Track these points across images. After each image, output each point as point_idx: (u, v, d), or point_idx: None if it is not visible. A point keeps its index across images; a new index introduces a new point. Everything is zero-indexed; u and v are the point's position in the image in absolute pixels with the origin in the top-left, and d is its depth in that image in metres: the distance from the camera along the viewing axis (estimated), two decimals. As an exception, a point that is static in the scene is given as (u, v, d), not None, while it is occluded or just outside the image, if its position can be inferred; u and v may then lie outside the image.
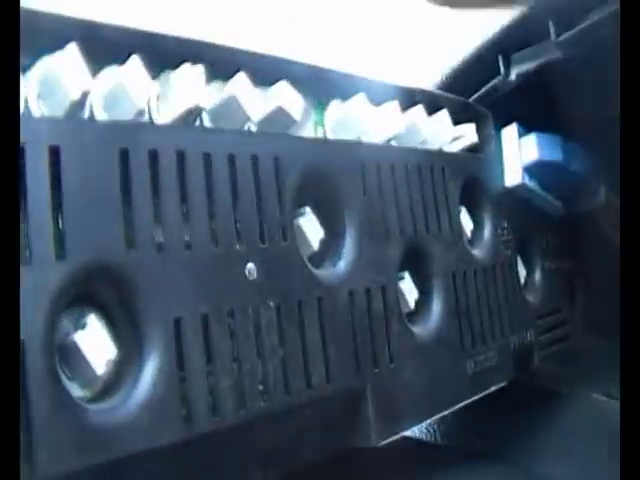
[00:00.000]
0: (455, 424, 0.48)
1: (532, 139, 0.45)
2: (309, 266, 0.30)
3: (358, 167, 0.34)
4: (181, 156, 0.27)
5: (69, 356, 0.24)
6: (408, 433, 0.47)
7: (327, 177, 0.32)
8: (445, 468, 0.42)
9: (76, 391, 0.24)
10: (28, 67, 0.25)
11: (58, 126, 0.23)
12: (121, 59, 0.27)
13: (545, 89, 0.44)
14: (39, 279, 0.22)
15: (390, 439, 0.32)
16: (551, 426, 0.47)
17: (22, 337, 0.21)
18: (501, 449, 0.46)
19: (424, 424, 0.48)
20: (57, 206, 0.23)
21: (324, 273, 0.31)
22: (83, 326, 0.24)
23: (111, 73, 0.27)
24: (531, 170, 0.46)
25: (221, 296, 0.26)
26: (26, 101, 0.24)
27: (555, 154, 0.45)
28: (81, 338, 0.24)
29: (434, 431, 0.48)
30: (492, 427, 0.47)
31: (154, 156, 0.26)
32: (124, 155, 0.25)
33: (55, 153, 0.23)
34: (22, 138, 0.22)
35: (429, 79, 0.46)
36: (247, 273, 0.27)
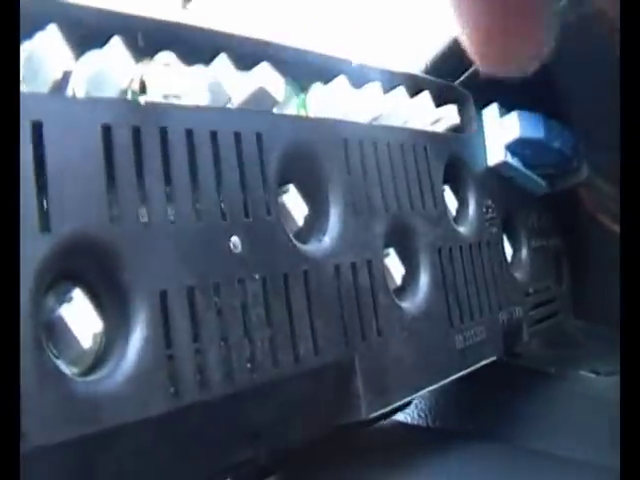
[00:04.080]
0: (446, 408, 0.48)
1: (514, 117, 0.45)
2: (294, 240, 0.31)
3: (341, 144, 0.34)
4: (164, 132, 0.27)
5: (55, 331, 0.24)
6: (400, 418, 0.47)
7: (310, 154, 0.33)
8: (439, 449, 0.42)
9: (63, 369, 0.24)
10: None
11: (40, 101, 0.24)
12: (101, 42, 0.27)
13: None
14: (24, 252, 0.22)
15: (380, 412, 0.33)
16: (541, 404, 0.47)
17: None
18: (493, 429, 0.46)
19: (415, 409, 0.48)
20: (41, 180, 0.23)
21: (309, 248, 0.32)
22: (69, 300, 0.24)
23: (92, 56, 0.28)
24: (514, 148, 0.46)
25: (206, 269, 0.27)
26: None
27: (537, 131, 0.46)
28: (67, 311, 0.24)
29: (425, 416, 0.48)
30: (483, 409, 0.47)
31: (137, 132, 0.26)
32: (107, 131, 0.25)
33: (38, 127, 0.23)
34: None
35: (414, 64, 0.47)
36: (232, 246, 0.28)
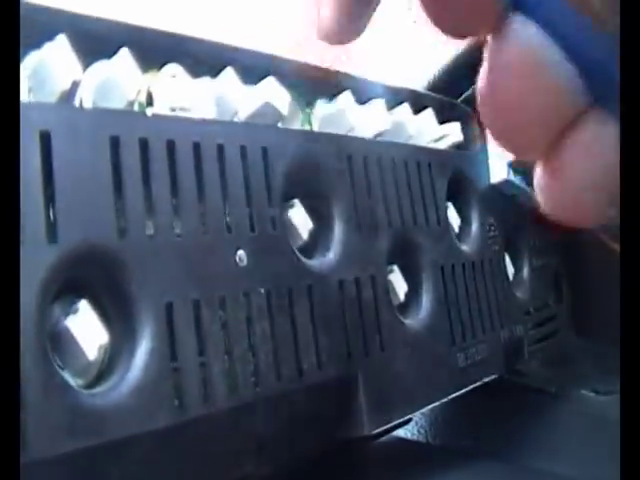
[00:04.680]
0: (446, 425, 0.48)
1: (517, 135, 0.45)
2: (298, 255, 0.31)
3: (345, 160, 0.34)
4: (171, 145, 0.27)
5: (61, 342, 0.24)
6: (400, 434, 0.47)
7: (315, 169, 0.33)
8: (438, 466, 0.42)
9: (68, 380, 0.24)
10: (17, 62, 0.25)
11: (49, 111, 0.24)
12: (109, 53, 0.27)
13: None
14: (31, 262, 0.22)
15: (382, 428, 0.33)
16: (541, 422, 0.47)
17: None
18: (493, 447, 0.46)
19: (415, 426, 0.48)
20: (49, 190, 0.23)
21: (313, 263, 0.31)
22: (75, 311, 0.24)
23: (100, 67, 0.28)
24: (516, 166, 0.46)
25: (212, 282, 0.27)
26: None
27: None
28: (73, 323, 0.24)
29: (425, 432, 0.48)
30: (483, 427, 0.47)
31: (144, 144, 0.26)
32: (115, 142, 0.25)
33: (46, 138, 0.23)
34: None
35: (417, 81, 0.47)
36: (237, 260, 0.28)
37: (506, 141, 0.21)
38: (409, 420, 0.42)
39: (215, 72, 0.31)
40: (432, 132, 0.42)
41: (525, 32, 0.20)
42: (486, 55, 0.21)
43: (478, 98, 0.21)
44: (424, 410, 0.46)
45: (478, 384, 0.40)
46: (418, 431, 0.48)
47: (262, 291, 0.28)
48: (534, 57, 0.20)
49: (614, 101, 0.19)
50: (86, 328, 0.24)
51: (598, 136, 0.20)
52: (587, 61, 0.19)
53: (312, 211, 0.32)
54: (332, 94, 0.36)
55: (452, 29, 0.22)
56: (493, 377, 0.42)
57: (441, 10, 0.21)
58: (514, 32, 0.20)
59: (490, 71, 0.20)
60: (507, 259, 0.48)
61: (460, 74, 0.47)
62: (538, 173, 0.21)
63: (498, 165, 0.46)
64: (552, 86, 0.20)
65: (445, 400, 0.38)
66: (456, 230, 0.42)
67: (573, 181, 0.20)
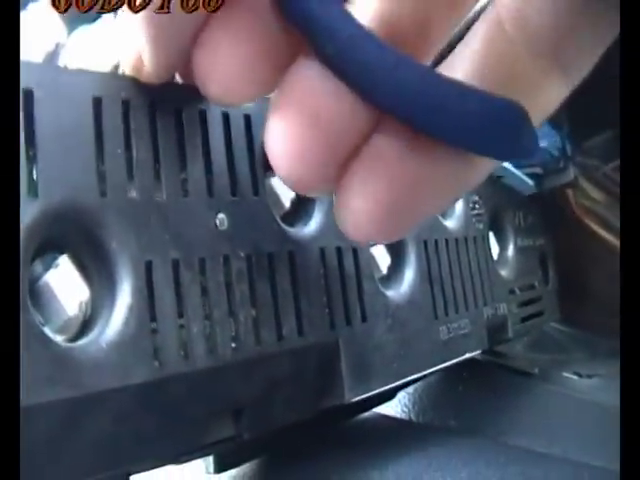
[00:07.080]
0: (429, 404, 0.48)
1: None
2: (279, 221, 0.31)
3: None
4: (153, 109, 0.27)
5: (41, 298, 0.24)
6: (383, 411, 0.47)
7: (298, 139, 0.33)
8: (420, 442, 0.42)
9: (48, 334, 0.24)
10: None
11: (32, 69, 0.24)
12: (94, 17, 0.28)
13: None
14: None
15: (362, 396, 0.33)
16: (523, 402, 0.48)
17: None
18: (475, 426, 0.46)
19: (399, 404, 0.48)
20: (31, 146, 0.23)
21: (295, 230, 0.32)
22: (56, 266, 0.24)
23: (84, 31, 0.28)
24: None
25: (192, 243, 0.27)
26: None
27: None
28: (53, 278, 0.24)
29: (408, 411, 0.48)
30: (466, 406, 0.48)
31: (126, 107, 0.26)
32: (97, 103, 0.25)
33: (29, 95, 0.23)
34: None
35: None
36: (218, 223, 0.28)
37: (292, 185, 0.22)
38: (391, 397, 0.42)
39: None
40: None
41: (302, 77, 0.20)
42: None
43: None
44: (408, 389, 0.46)
45: (461, 359, 0.41)
46: (402, 410, 0.48)
47: (242, 254, 0.29)
48: (307, 102, 0.20)
49: (404, 109, 0.19)
50: (66, 283, 0.24)
51: (381, 153, 0.20)
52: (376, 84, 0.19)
53: (295, 181, 0.33)
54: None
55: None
56: (476, 353, 0.42)
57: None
58: (289, 82, 0.20)
59: (268, 121, 0.21)
60: (492, 238, 0.48)
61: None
62: (335, 203, 0.21)
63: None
64: (327, 126, 0.20)
65: (426, 373, 0.38)
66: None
67: (365, 203, 0.20)
